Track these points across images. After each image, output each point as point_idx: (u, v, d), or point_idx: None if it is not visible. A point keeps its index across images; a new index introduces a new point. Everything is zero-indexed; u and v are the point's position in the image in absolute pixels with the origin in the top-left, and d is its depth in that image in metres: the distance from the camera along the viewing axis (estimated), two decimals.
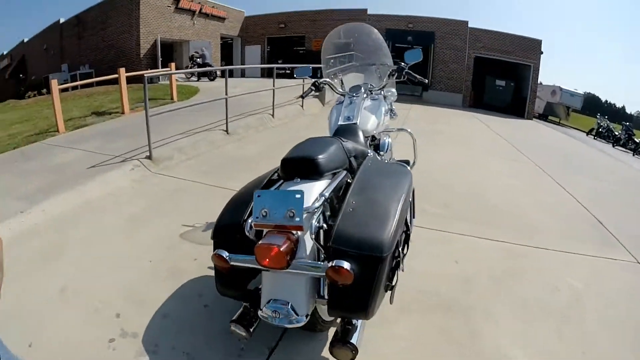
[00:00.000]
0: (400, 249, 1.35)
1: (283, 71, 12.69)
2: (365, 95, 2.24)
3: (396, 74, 2.25)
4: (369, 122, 2.11)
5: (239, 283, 1.34)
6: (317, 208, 1.21)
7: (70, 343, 1.59)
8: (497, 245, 2.74)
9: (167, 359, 1.51)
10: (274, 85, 6.77)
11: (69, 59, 18.68)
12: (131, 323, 1.69)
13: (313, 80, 2.48)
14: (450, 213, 3.27)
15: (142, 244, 2.49)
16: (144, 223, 2.83)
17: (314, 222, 1.25)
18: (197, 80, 12.86)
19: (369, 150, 1.78)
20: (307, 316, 1.23)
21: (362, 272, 1.13)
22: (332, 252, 1.16)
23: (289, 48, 19.19)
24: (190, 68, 13.76)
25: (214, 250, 1.27)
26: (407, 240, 1.47)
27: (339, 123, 2.05)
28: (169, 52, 17.40)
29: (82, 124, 7.13)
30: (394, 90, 2.53)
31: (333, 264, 1.11)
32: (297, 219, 1.10)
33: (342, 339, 1.20)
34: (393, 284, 1.30)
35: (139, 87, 12.28)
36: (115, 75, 8.58)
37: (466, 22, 16.12)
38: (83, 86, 12.28)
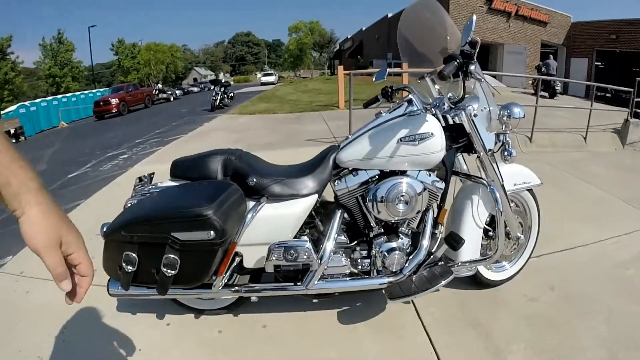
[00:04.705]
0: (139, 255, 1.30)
1: (602, 94, 9.71)
2: (398, 112, 1.57)
3: (456, 71, 1.42)
4: (351, 150, 1.56)
5: None
6: (136, 192, 1.60)
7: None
8: None
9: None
10: (535, 104, 5.46)
11: (394, 49, 22.09)
12: None
13: (387, 86, 1.74)
14: None
15: None
16: None
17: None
18: (533, 94, 9.09)
19: (253, 178, 1.54)
20: None
21: None
22: None
23: (622, 65, 13.93)
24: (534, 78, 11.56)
25: None
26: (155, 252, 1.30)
27: (341, 143, 1.66)
28: (484, 53, 16.84)
29: (360, 106, 8.55)
30: (514, 110, 1.55)
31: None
32: None
33: None
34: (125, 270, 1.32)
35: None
36: (402, 70, 9.48)
37: None
38: (394, 74, 14.21)
